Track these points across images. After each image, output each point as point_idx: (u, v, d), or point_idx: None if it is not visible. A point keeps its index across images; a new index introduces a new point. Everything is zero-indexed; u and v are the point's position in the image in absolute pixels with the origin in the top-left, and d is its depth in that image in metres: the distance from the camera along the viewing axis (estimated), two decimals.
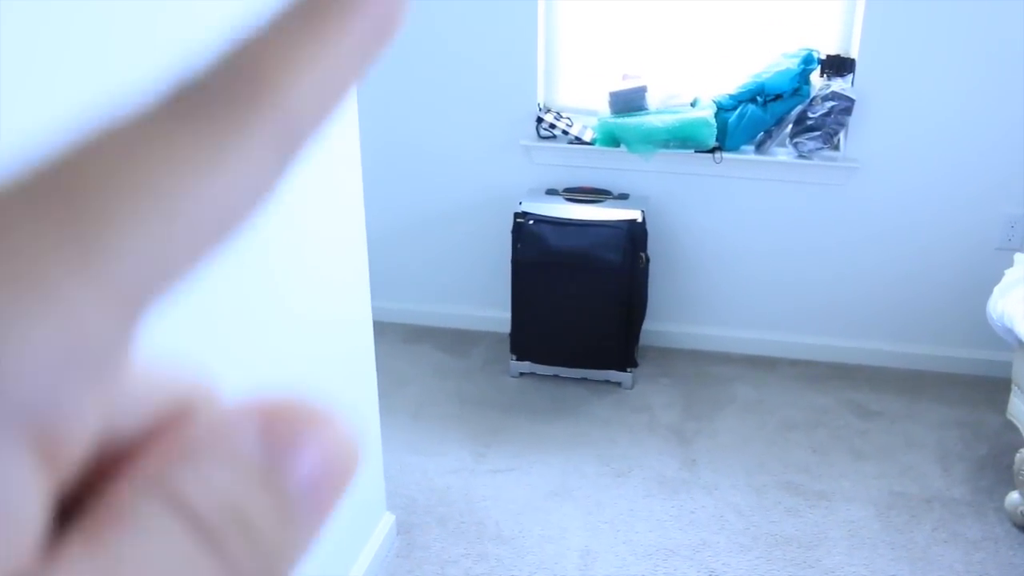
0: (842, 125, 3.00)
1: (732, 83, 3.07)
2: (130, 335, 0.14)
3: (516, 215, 3.00)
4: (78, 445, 0.14)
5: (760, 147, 3.12)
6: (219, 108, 0.15)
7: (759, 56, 3.07)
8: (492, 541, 2.34)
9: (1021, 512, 2.40)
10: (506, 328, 3.19)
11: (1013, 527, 2.42)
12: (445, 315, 3.56)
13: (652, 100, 3.09)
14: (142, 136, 0.14)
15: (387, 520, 2.31)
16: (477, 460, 2.69)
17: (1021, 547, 2.35)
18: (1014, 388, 2.51)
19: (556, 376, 3.15)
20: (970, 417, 2.96)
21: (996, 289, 2.52)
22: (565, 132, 3.17)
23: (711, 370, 3.26)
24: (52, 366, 0.13)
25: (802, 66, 2.97)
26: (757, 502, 2.52)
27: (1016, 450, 2.43)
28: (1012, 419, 2.53)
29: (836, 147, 3.12)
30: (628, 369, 3.09)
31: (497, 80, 3.21)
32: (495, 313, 3.41)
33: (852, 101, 2.94)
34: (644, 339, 3.29)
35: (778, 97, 3.00)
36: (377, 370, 2.15)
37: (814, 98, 2.98)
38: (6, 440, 0.13)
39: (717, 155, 3.08)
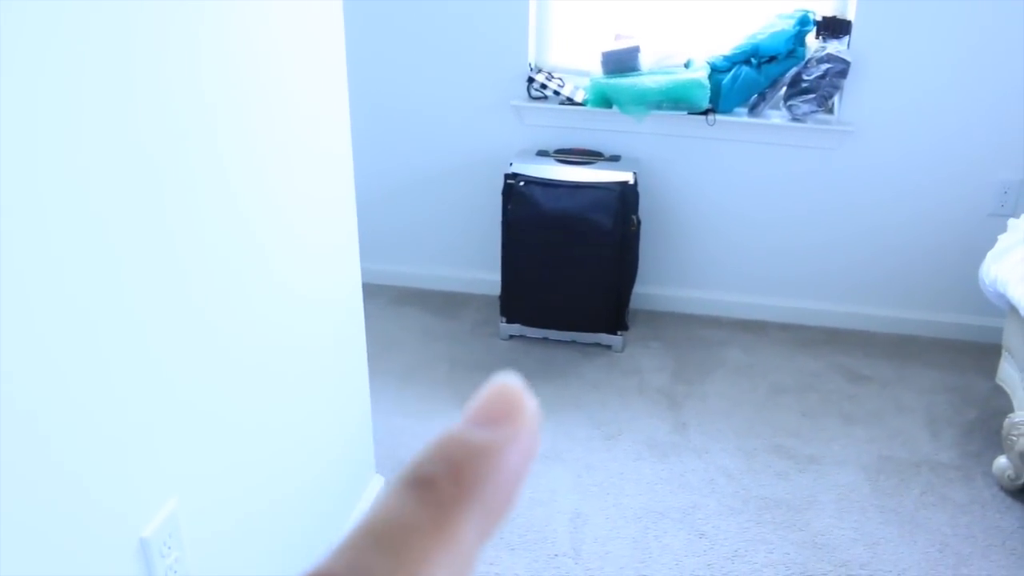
0: (837, 88, 2.97)
1: (726, 44, 3.03)
2: None
3: (507, 176, 2.97)
4: None
5: (754, 109, 3.08)
6: None
7: (754, 17, 3.03)
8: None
9: (1008, 476, 2.41)
10: (496, 290, 3.17)
11: (1000, 491, 2.44)
12: (434, 277, 3.53)
13: (645, 61, 3.05)
14: None
15: (376, 482, 2.30)
16: None
17: (1008, 510, 2.37)
18: (1004, 353, 2.52)
19: (546, 339, 3.13)
20: (960, 382, 2.96)
21: (989, 254, 2.51)
22: (556, 92, 3.13)
23: (702, 334, 3.25)
24: None
25: (798, 28, 2.93)
26: (747, 465, 2.52)
27: (1005, 415, 2.44)
28: (1001, 384, 2.53)
29: (830, 110, 3.09)
30: (618, 332, 3.08)
31: (488, 40, 3.15)
32: (485, 275, 3.39)
33: (847, 64, 2.91)
34: (635, 302, 3.28)
35: (773, 59, 2.96)
36: (366, 333, 2.13)
37: (809, 60, 2.95)
38: None
39: (710, 117, 3.04)
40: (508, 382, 0.24)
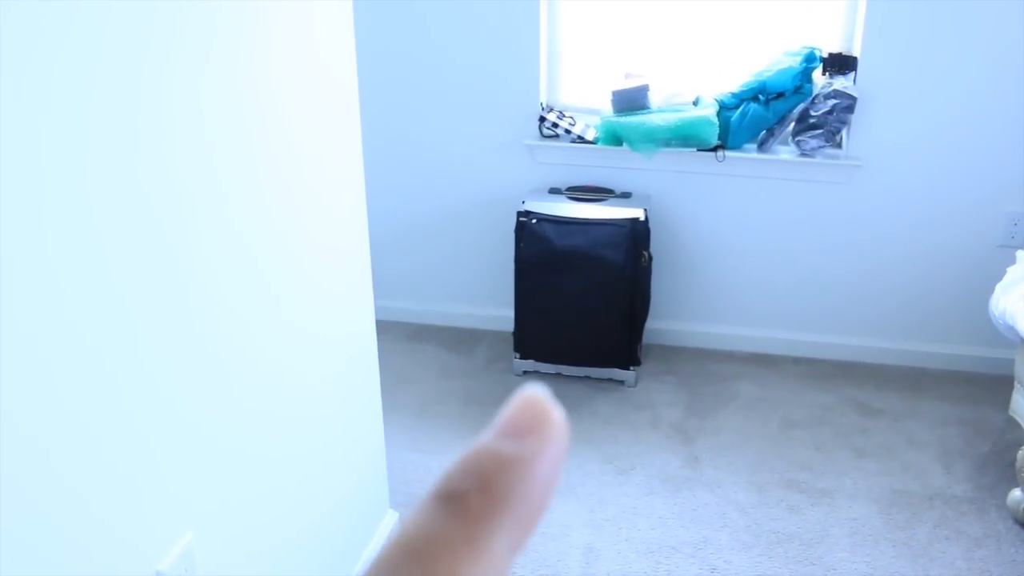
0: (844, 123, 3.01)
1: (734, 81, 3.08)
2: None
3: (519, 214, 3.01)
4: None
5: (762, 145, 3.12)
6: None
7: (761, 54, 3.07)
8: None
9: (1023, 509, 2.40)
10: (509, 326, 3.20)
11: (1015, 524, 2.43)
12: (448, 314, 3.57)
13: (654, 99, 3.10)
14: None
15: (390, 518, 2.32)
16: None
17: (1022, 544, 2.36)
18: (1016, 385, 2.52)
19: (559, 374, 3.15)
20: (972, 414, 2.96)
21: (998, 287, 2.52)
22: (568, 131, 3.18)
23: (714, 368, 3.26)
24: None
25: (804, 64, 2.97)
26: (759, 499, 2.52)
27: (1018, 447, 2.44)
28: (1014, 416, 2.53)
29: (838, 145, 3.13)
30: (631, 367, 3.10)
31: (500, 80, 3.22)
32: (498, 311, 3.42)
33: (854, 99, 2.94)
34: (647, 337, 3.30)
35: (780, 95, 3.00)
36: (380, 369, 2.16)
37: (816, 96, 2.99)
38: None
39: (719, 153, 3.08)
40: (535, 393, 0.25)
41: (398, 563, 0.21)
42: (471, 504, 0.22)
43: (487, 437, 0.24)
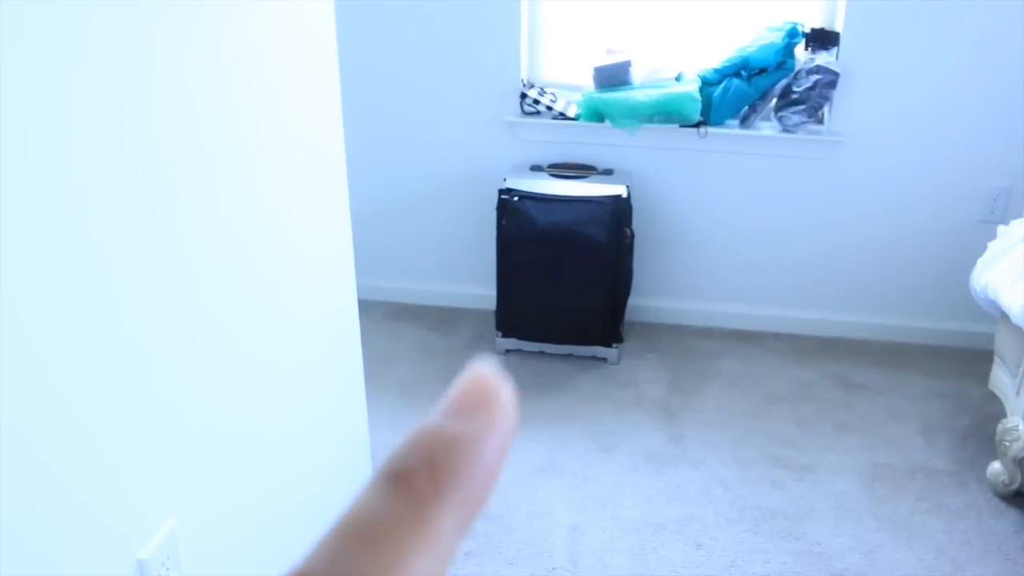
0: (826, 99, 3.00)
1: (716, 57, 3.06)
2: None
3: (501, 192, 2.99)
4: None
5: (745, 121, 3.11)
6: None
7: (743, 30, 3.06)
8: (480, 518, 2.34)
9: (1002, 481, 2.43)
10: (491, 305, 3.19)
11: (994, 496, 2.45)
12: (430, 293, 3.55)
13: (636, 75, 3.08)
14: None
15: None
16: None
17: (1002, 516, 2.38)
18: (996, 359, 2.54)
19: (542, 352, 3.15)
20: (953, 389, 2.98)
21: (979, 261, 2.53)
22: (549, 108, 3.15)
23: (696, 345, 3.27)
24: None
25: (787, 40, 2.96)
26: (743, 475, 2.53)
27: (998, 421, 2.46)
28: (994, 390, 2.55)
29: (820, 121, 3.12)
30: (614, 344, 3.10)
31: (480, 56, 3.18)
32: (480, 290, 3.40)
33: (837, 75, 2.93)
34: (629, 314, 3.29)
35: (763, 71, 2.99)
36: (362, 349, 2.14)
37: (799, 72, 2.98)
38: None
39: (702, 129, 3.07)
40: (483, 371, 0.24)
41: (343, 545, 0.21)
42: (417, 483, 0.22)
43: (434, 416, 0.23)
